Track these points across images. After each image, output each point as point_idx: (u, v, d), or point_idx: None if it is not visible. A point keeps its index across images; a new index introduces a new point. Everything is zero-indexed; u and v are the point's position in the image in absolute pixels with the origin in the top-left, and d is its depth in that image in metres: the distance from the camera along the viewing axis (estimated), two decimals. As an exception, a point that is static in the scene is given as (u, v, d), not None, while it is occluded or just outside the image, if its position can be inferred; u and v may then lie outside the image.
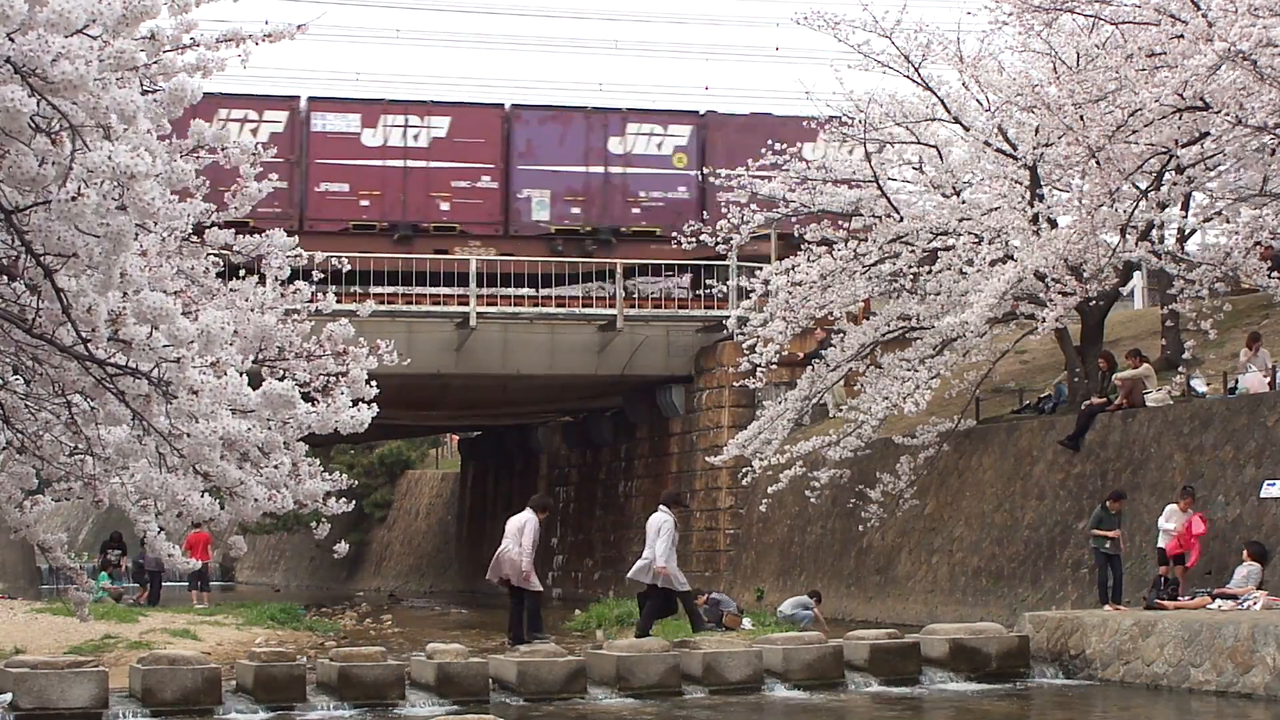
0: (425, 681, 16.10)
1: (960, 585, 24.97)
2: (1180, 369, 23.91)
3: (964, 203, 26.45)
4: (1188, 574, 19.63)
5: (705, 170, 33.04)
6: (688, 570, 33.27)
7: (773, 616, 22.80)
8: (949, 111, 26.46)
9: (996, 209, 25.37)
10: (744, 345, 26.88)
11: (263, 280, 10.71)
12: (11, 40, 6.28)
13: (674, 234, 31.37)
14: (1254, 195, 22.33)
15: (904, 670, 17.22)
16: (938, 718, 15.84)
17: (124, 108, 6.57)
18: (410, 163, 34.80)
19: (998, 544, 24.55)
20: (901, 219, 26.38)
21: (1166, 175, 22.27)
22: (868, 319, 27.27)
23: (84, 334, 7.37)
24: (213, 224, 9.85)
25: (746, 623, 21.54)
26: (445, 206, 34.93)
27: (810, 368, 27.28)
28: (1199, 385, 23.17)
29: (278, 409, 8.47)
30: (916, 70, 26.01)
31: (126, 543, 33.40)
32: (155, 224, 7.86)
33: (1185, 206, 24.31)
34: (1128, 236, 22.70)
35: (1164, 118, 20.43)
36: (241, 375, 8.21)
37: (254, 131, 33.91)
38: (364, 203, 34.52)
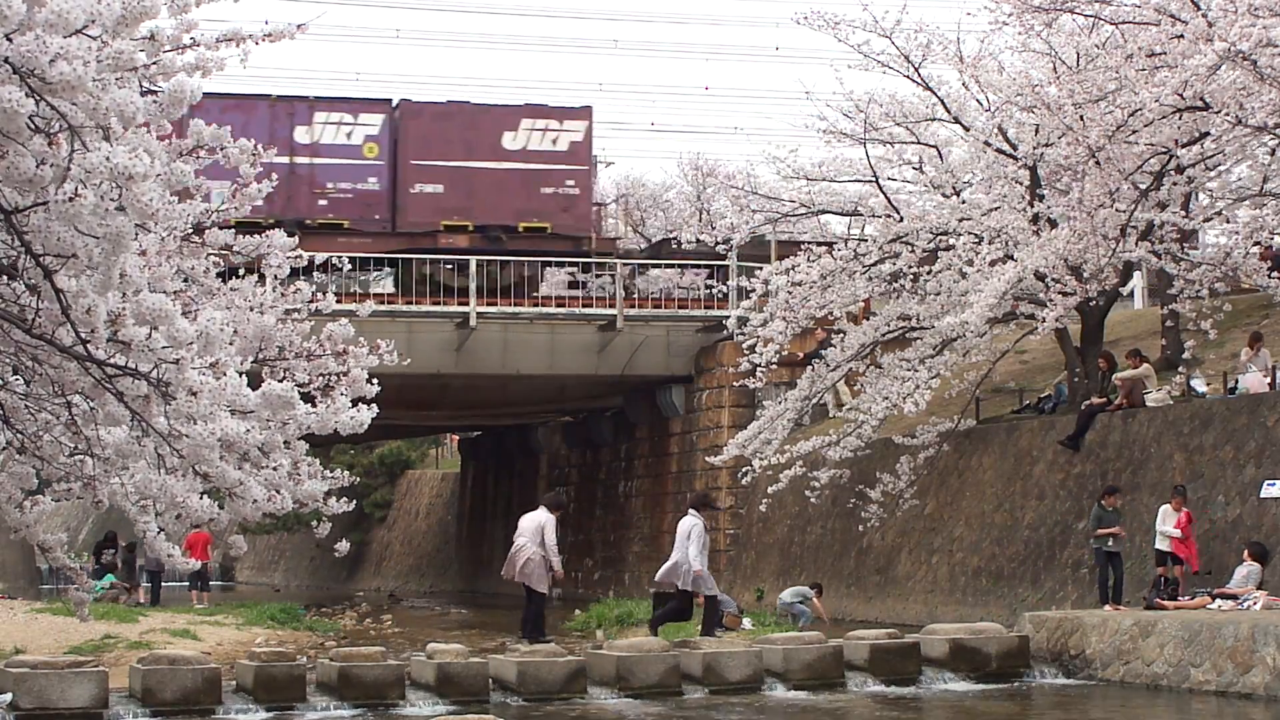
0: (425, 681, 16.10)
1: (960, 585, 24.97)
2: (1180, 369, 23.91)
3: (964, 203, 26.45)
4: (1187, 574, 19.62)
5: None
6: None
7: (773, 616, 22.82)
8: (949, 111, 26.46)
9: (996, 209, 25.37)
10: (744, 345, 26.87)
11: (262, 280, 10.70)
12: (10, 40, 6.27)
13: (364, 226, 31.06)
14: (1254, 195, 22.33)
15: (904, 670, 17.22)
16: (938, 718, 15.85)
17: (123, 108, 6.57)
18: None
19: (998, 544, 24.55)
20: (901, 219, 26.38)
21: (1166, 175, 22.26)
22: (868, 319, 27.26)
23: (83, 334, 7.36)
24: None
25: (746, 623, 21.56)
26: None
27: (810, 368, 27.28)
28: (1199, 385, 23.17)
29: (277, 410, 8.47)
30: (916, 70, 26.01)
31: (122, 543, 33.34)
32: (155, 224, 7.85)
33: (1185, 206, 24.30)
34: (1128, 236, 22.69)
35: (1164, 118, 20.44)
36: (241, 376, 8.21)
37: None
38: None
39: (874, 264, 26.24)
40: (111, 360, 7.65)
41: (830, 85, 43.23)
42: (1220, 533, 20.18)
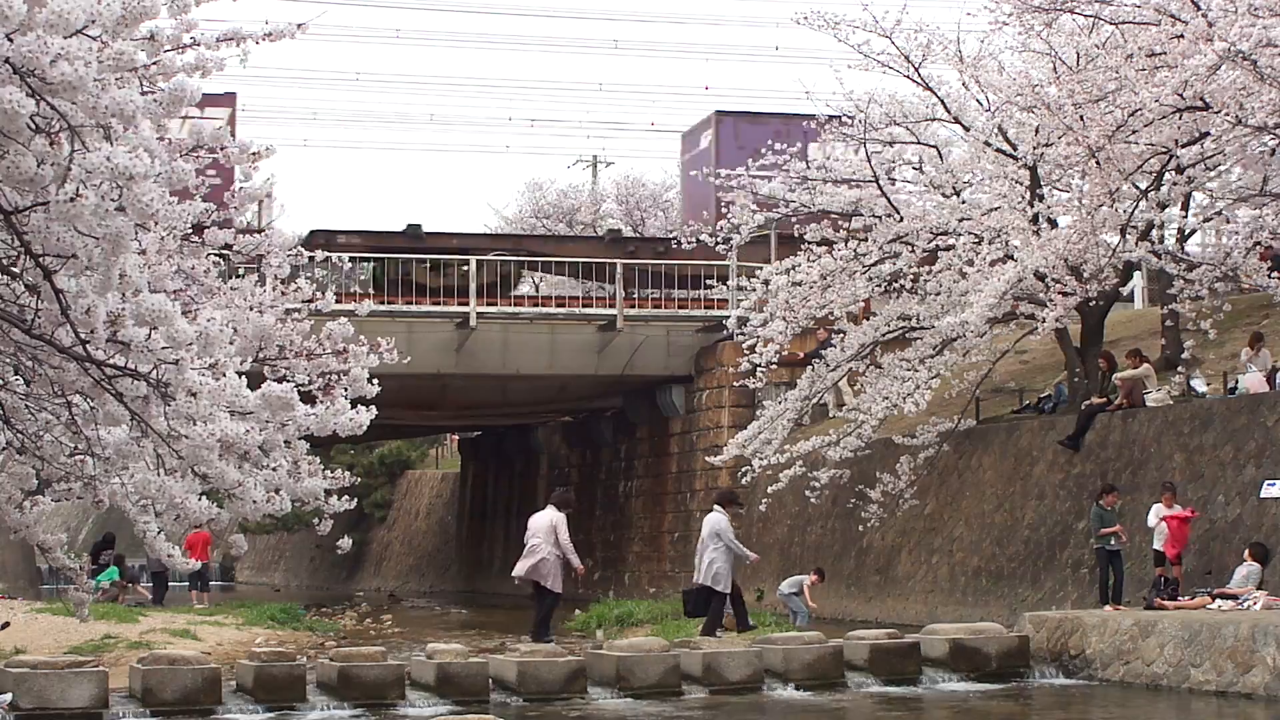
0: (425, 681, 16.10)
1: (960, 585, 24.98)
2: (1180, 369, 23.90)
3: (964, 203, 26.44)
4: (1187, 573, 19.62)
5: None
6: (688, 570, 33.31)
7: (773, 616, 22.82)
8: (949, 111, 26.44)
9: (996, 209, 25.36)
10: (744, 345, 26.87)
11: (262, 280, 10.71)
12: (10, 41, 6.27)
13: None
14: (1254, 195, 22.33)
15: (904, 670, 17.22)
16: (938, 718, 15.84)
17: (123, 108, 6.57)
18: None
19: (998, 544, 24.55)
20: (901, 219, 26.37)
21: (1166, 175, 22.26)
22: (868, 319, 27.25)
23: (83, 335, 7.36)
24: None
25: (746, 623, 21.53)
26: None
27: (810, 368, 27.28)
28: (1199, 385, 23.17)
29: (276, 411, 8.47)
30: (916, 70, 25.99)
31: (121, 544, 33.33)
32: (155, 224, 7.85)
33: (1185, 206, 24.31)
34: (1128, 236, 22.69)
35: (1164, 118, 20.44)
36: (241, 376, 8.21)
37: None
38: None
39: (874, 264, 26.23)
40: (111, 361, 7.65)
41: (830, 85, 43.22)
42: (1220, 533, 20.18)
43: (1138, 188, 22.27)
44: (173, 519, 9.20)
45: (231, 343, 8.93)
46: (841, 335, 27.02)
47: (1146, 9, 21.37)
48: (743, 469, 28.23)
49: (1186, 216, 24.28)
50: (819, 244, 26.62)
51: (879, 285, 26.54)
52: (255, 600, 34.03)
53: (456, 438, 55.82)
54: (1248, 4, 18.36)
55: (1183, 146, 20.86)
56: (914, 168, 27.98)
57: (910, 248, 25.82)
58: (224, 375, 7.97)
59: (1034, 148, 24.14)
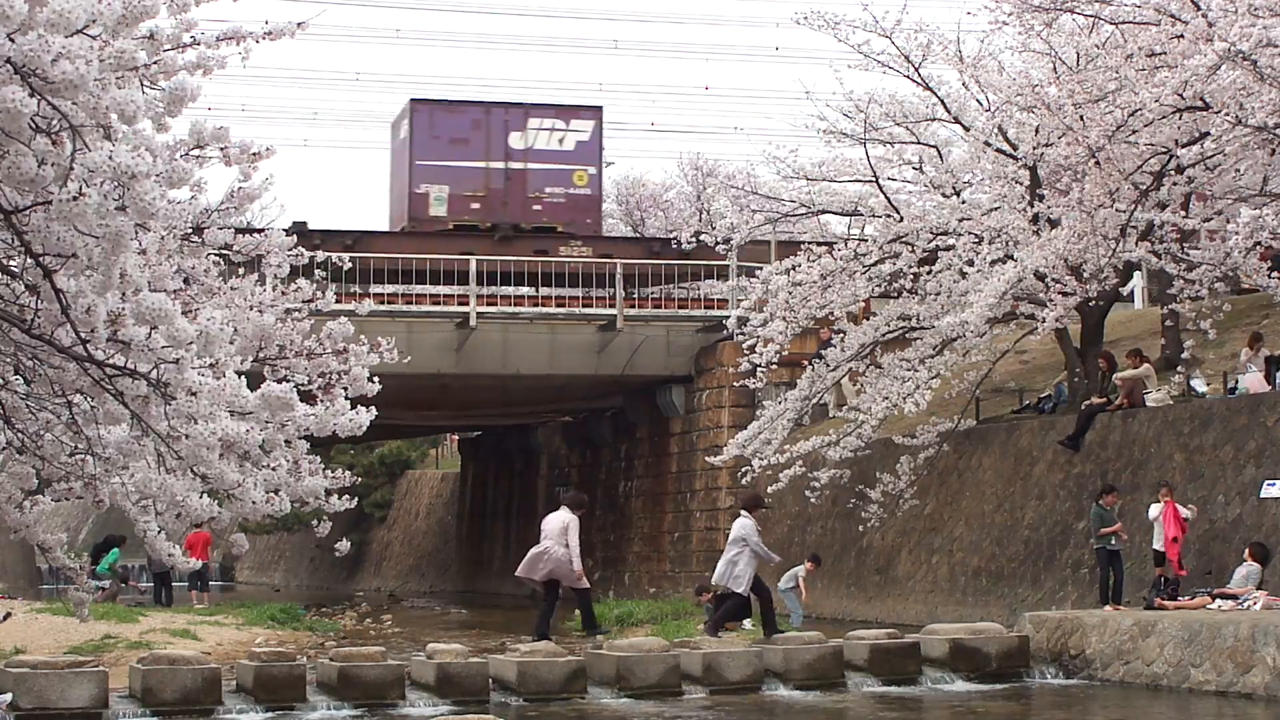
0: (425, 681, 16.10)
1: (960, 585, 24.97)
2: (1180, 369, 23.90)
3: (964, 203, 26.44)
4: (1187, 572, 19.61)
5: None
6: (687, 570, 33.38)
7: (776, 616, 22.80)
8: (949, 111, 26.45)
9: (996, 209, 25.36)
10: (744, 345, 26.87)
11: (262, 279, 10.70)
12: (12, 40, 6.27)
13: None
14: (1254, 195, 22.32)
15: (904, 670, 17.22)
16: (938, 718, 15.84)
17: (124, 108, 6.56)
18: None
19: (998, 544, 24.55)
20: (901, 219, 26.38)
21: (1166, 175, 22.26)
22: (868, 319, 27.26)
23: (83, 334, 7.36)
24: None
25: (746, 623, 21.53)
26: None
27: (810, 367, 27.28)
28: (1199, 385, 23.17)
29: (276, 410, 8.47)
30: (916, 70, 26.01)
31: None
32: (155, 223, 7.85)
33: (1185, 207, 24.31)
34: (1128, 236, 22.69)
35: (1164, 118, 20.44)
36: (241, 376, 8.21)
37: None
38: None
39: (874, 264, 26.23)
40: (111, 360, 7.65)
41: (830, 85, 43.23)
42: (1220, 533, 20.18)
43: (1138, 188, 22.26)
44: (174, 517, 9.20)
45: (231, 342, 8.93)
46: (842, 335, 27.03)
47: (1146, 9, 21.37)
48: (743, 469, 28.23)
49: (1187, 217, 24.27)
50: (819, 244, 26.63)
51: (879, 285, 26.55)
52: (255, 600, 34.04)
53: (456, 438, 55.83)
54: (1248, 4, 18.36)
55: (1183, 146, 20.86)
56: (914, 168, 27.99)
57: (910, 248, 25.83)
58: (224, 375, 7.97)
59: (1034, 148, 24.14)
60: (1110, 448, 23.01)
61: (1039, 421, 25.32)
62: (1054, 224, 23.93)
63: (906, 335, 26.51)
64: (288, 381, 8.90)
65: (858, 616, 25.83)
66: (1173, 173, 22.06)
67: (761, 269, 27.63)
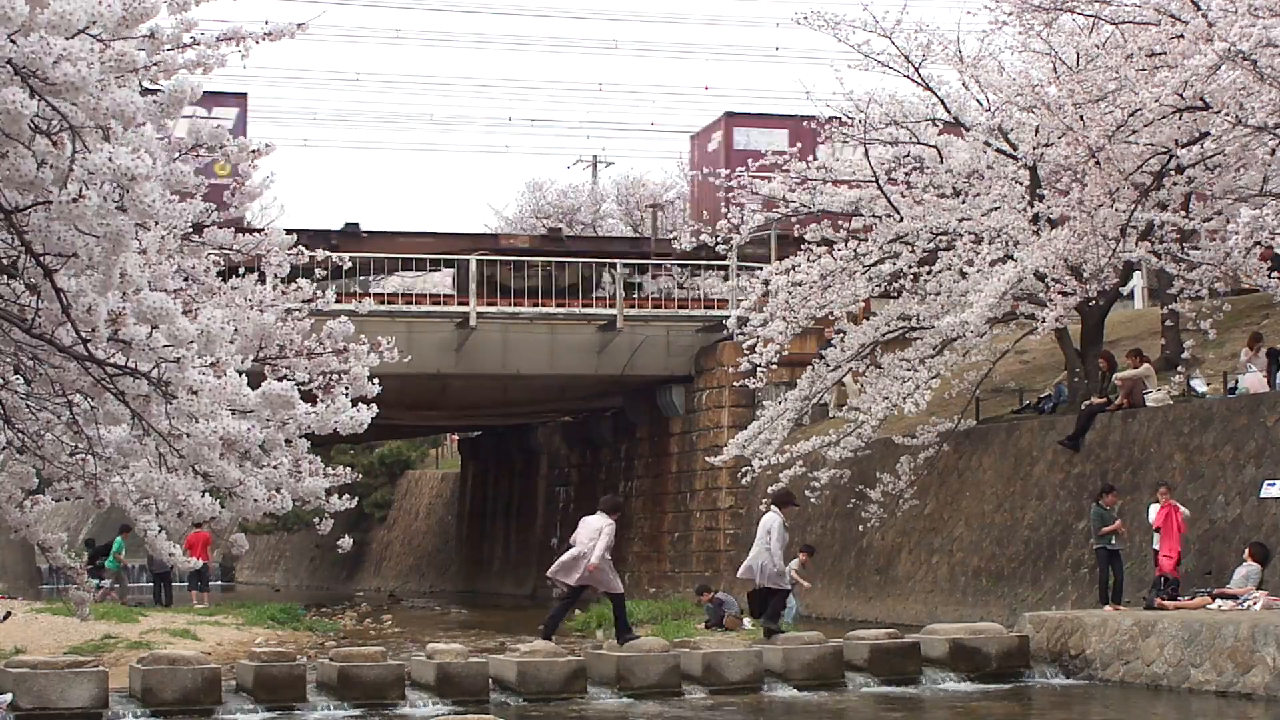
0: (425, 681, 16.10)
1: (960, 585, 24.98)
2: (1180, 369, 23.90)
3: (964, 203, 26.44)
4: (1186, 573, 19.60)
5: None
6: (687, 570, 33.39)
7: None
8: (949, 111, 26.44)
9: (996, 209, 25.36)
10: (744, 345, 26.86)
11: (262, 279, 10.71)
12: (13, 42, 6.28)
13: None
14: (1254, 195, 22.32)
15: (904, 670, 17.22)
16: (938, 718, 15.84)
17: (124, 109, 6.56)
18: None
19: (998, 544, 24.55)
20: (901, 219, 26.38)
21: (1166, 175, 22.26)
22: (868, 319, 27.26)
23: (83, 334, 7.36)
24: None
25: (747, 623, 21.54)
26: None
27: (810, 367, 27.29)
28: (1199, 385, 23.17)
29: (277, 409, 8.47)
30: (916, 70, 26.00)
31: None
32: (155, 223, 7.85)
33: (1185, 206, 24.31)
34: (1128, 236, 22.69)
35: (1164, 118, 20.44)
36: (241, 375, 8.20)
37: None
38: None
39: (874, 264, 26.23)
40: (112, 359, 7.65)
41: (830, 85, 43.26)
42: (1220, 533, 20.18)
43: (1138, 188, 22.26)
44: (175, 516, 9.19)
45: (232, 341, 8.93)
46: (841, 335, 27.03)
47: (1146, 9, 21.37)
48: (743, 469, 28.23)
49: (1187, 217, 24.27)
50: (819, 244, 26.62)
51: (879, 285, 26.55)
52: (255, 600, 34.04)
53: (456, 438, 55.83)
54: (1248, 4, 18.36)
55: (1183, 146, 20.86)
56: (914, 168, 27.97)
57: (910, 248, 25.83)
58: (225, 373, 7.97)
59: (1034, 148, 24.14)
60: (1110, 448, 23.01)
61: (1039, 421, 25.32)
62: (1054, 224, 23.93)
63: (906, 335, 26.51)
64: (288, 381, 8.89)
65: (858, 616, 25.83)
66: (1173, 173, 22.06)
67: (761, 269, 27.63)
